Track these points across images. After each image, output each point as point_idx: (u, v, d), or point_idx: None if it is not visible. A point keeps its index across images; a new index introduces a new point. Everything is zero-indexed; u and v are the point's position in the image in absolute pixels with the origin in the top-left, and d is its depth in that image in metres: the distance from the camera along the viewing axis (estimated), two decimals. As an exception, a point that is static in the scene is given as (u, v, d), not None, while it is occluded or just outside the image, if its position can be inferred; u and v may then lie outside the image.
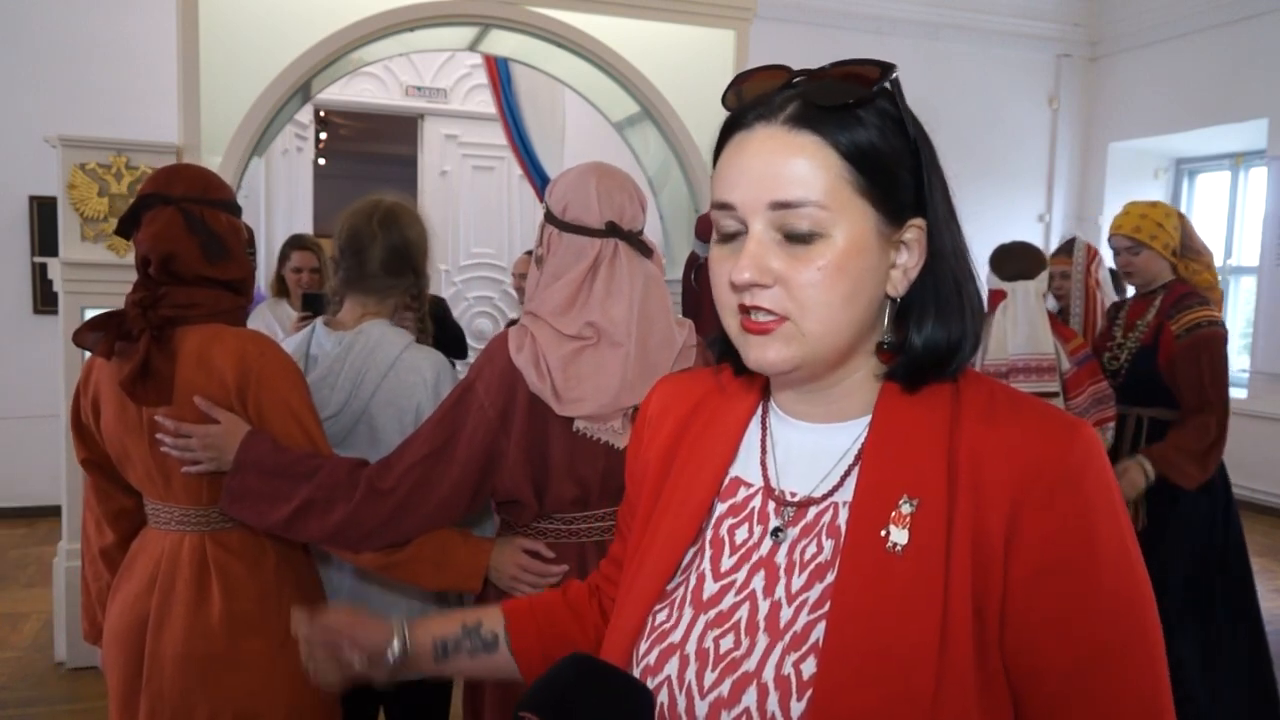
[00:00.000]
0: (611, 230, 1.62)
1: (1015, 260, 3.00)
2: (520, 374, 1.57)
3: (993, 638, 0.75)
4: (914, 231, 0.80)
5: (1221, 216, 7.33)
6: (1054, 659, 0.75)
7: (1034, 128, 7.65)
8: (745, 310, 0.79)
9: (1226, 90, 6.66)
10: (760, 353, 0.79)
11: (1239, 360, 7.12)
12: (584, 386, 1.57)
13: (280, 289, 4.05)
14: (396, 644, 1.02)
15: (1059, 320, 3.10)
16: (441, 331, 4.01)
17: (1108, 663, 0.75)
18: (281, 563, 1.71)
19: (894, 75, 0.78)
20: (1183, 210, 7.61)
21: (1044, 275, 3.01)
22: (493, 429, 1.58)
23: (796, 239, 0.76)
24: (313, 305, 2.31)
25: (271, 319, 3.92)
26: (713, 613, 0.83)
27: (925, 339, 0.81)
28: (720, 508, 0.88)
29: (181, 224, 1.63)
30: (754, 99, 0.80)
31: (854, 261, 0.77)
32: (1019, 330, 2.94)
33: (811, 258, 0.76)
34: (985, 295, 2.48)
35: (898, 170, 0.79)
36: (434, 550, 1.63)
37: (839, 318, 0.78)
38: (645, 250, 1.66)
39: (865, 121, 0.77)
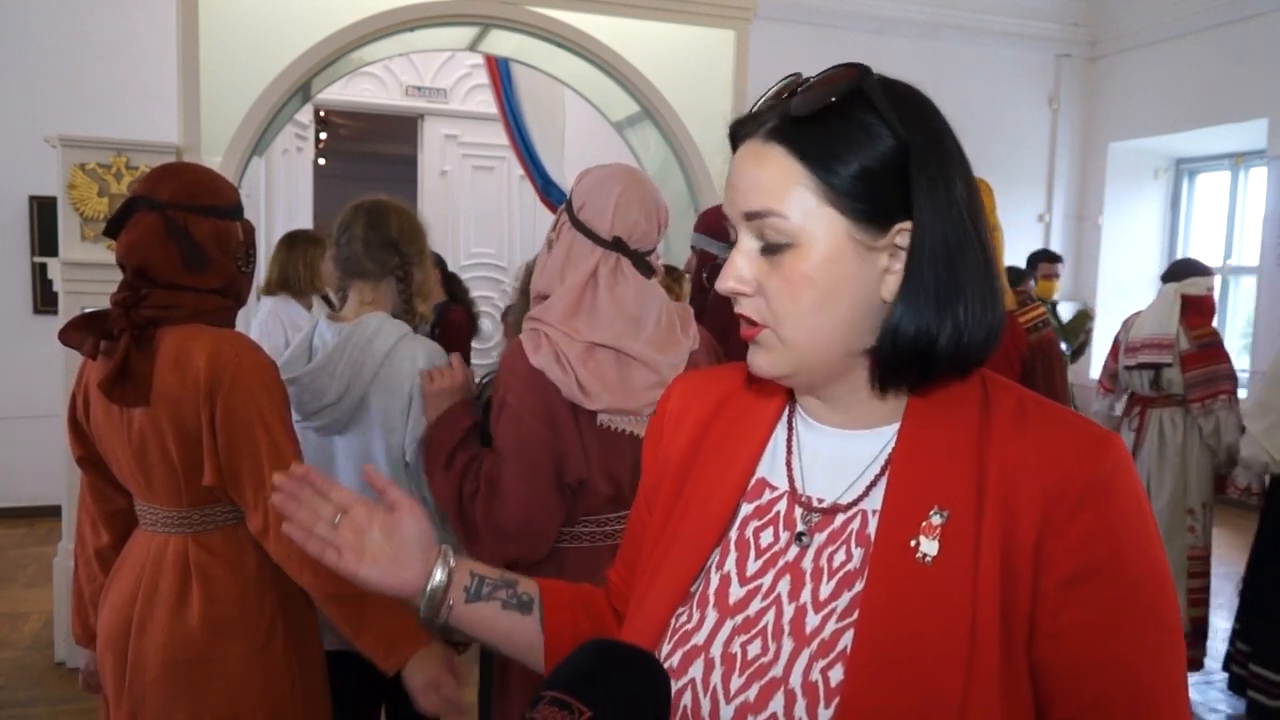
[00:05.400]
0: (616, 245, 1.63)
1: (1168, 270, 3.92)
2: (544, 375, 1.58)
3: (1019, 646, 0.75)
4: (905, 235, 0.78)
5: (1221, 216, 7.33)
6: (1084, 665, 0.76)
7: (1034, 128, 7.65)
8: (740, 316, 0.82)
9: (1226, 90, 6.66)
10: (751, 359, 0.83)
11: (1239, 360, 7.12)
12: (604, 380, 1.59)
13: (284, 285, 3.99)
14: (440, 571, 0.92)
15: (1199, 314, 3.76)
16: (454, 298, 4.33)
17: (1138, 668, 0.76)
18: (263, 564, 1.67)
19: (868, 79, 0.77)
20: (1183, 210, 7.66)
21: (1191, 280, 3.76)
22: (543, 438, 1.58)
23: (770, 249, 0.79)
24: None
25: (284, 319, 3.87)
26: (739, 618, 0.83)
27: (893, 331, 0.79)
28: (746, 509, 0.88)
29: (161, 231, 1.60)
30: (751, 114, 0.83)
31: (823, 270, 0.77)
32: (1154, 316, 3.78)
33: (780, 267, 0.78)
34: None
35: (874, 176, 0.77)
36: (378, 601, 1.54)
37: (812, 325, 0.78)
38: (648, 270, 1.68)
39: (834, 129, 0.77)
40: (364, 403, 1.96)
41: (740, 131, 0.82)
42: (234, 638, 1.62)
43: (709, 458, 0.92)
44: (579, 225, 1.64)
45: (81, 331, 1.59)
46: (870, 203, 0.77)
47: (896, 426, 0.83)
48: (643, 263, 1.66)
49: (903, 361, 0.80)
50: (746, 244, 0.80)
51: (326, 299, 4.08)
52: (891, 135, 0.77)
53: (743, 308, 0.81)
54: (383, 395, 1.95)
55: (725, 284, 0.80)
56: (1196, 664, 3.69)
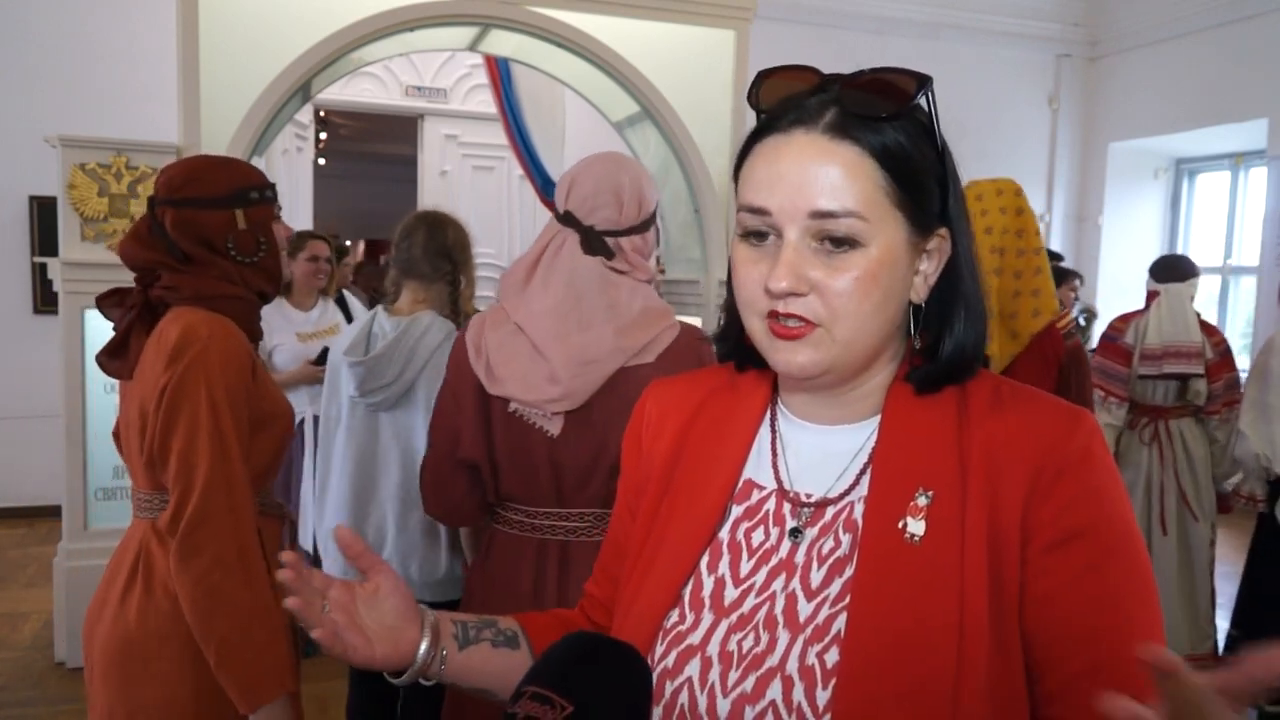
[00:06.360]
0: (566, 219, 1.64)
1: (1169, 268, 3.63)
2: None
3: (1010, 620, 0.76)
4: (937, 240, 0.82)
5: (1221, 216, 7.33)
6: (1076, 626, 0.76)
7: (1034, 128, 7.65)
8: (775, 315, 0.79)
9: (1226, 90, 6.66)
10: (790, 357, 0.79)
11: (1240, 360, 7.12)
12: (513, 367, 1.59)
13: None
14: (426, 636, 0.88)
15: (1202, 319, 3.56)
16: None
17: (1128, 626, 0.77)
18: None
19: (929, 86, 0.79)
20: (1183, 210, 7.66)
21: (1193, 280, 3.54)
22: (447, 409, 1.67)
23: (833, 248, 0.77)
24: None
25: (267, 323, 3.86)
26: (734, 616, 0.83)
27: (957, 342, 0.83)
28: (736, 511, 0.88)
29: (146, 229, 1.62)
30: (788, 103, 0.80)
31: (886, 271, 0.78)
32: (1172, 322, 3.48)
33: (847, 267, 0.77)
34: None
35: (928, 181, 0.80)
36: (247, 643, 1.48)
37: (868, 325, 0.79)
38: (599, 248, 1.61)
39: (901, 132, 0.78)
40: (413, 387, 2.29)
41: (783, 121, 0.79)
42: (167, 637, 1.51)
43: (693, 461, 0.92)
44: (552, 205, 1.69)
45: (117, 309, 1.64)
46: (924, 207, 0.80)
47: (878, 419, 0.85)
48: (599, 242, 1.61)
49: (956, 367, 0.83)
50: (801, 242, 0.77)
51: (340, 301, 4.09)
52: (935, 143, 0.81)
53: (791, 307, 0.78)
54: (430, 382, 2.23)
55: (780, 284, 0.76)
56: None
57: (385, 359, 2.26)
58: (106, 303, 1.67)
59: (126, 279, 1.70)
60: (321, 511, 2.50)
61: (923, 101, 0.80)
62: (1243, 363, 6.93)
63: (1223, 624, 4.22)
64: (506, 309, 1.64)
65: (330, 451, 2.43)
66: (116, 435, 1.74)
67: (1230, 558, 5.36)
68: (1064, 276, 4.83)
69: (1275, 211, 6.35)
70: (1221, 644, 3.67)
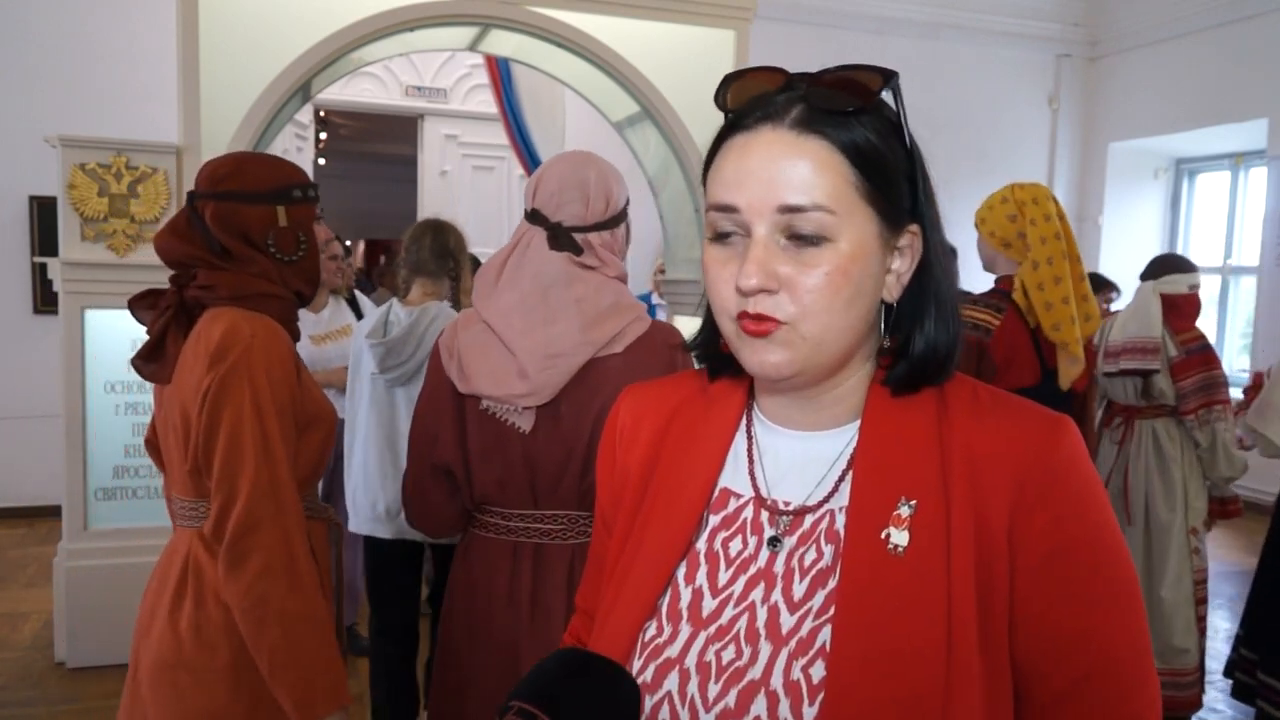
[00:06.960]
0: (532, 217, 1.64)
1: (1147, 268, 3.58)
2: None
3: (999, 633, 0.76)
4: (909, 237, 0.81)
5: (1221, 216, 7.34)
6: (1068, 639, 0.77)
7: (1034, 128, 7.65)
8: (746, 314, 0.78)
9: (1226, 90, 6.66)
10: (761, 356, 0.78)
11: (1239, 360, 7.13)
12: (483, 364, 1.59)
13: None
14: None
15: (1181, 317, 3.45)
16: None
17: (1117, 637, 0.78)
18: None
19: (895, 82, 0.78)
20: (1183, 210, 7.65)
21: (1169, 278, 3.46)
22: (425, 413, 1.66)
23: (802, 243, 0.76)
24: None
25: None
26: (713, 628, 0.82)
27: (928, 342, 0.82)
28: (713, 520, 0.86)
29: (184, 223, 1.58)
30: (754, 101, 0.80)
31: (857, 266, 0.77)
32: (1135, 319, 3.43)
33: (817, 262, 0.76)
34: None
35: (897, 176, 0.79)
36: (305, 656, 1.46)
37: (839, 322, 0.78)
38: (566, 244, 1.61)
39: (868, 127, 0.77)
40: (423, 365, 2.59)
41: (749, 118, 0.79)
42: (218, 647, 1.49)
43: (668, 469, 0.90)
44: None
45: (149, 311, 1.60)
46: (895, 203, 0.79)
47: (857, 424, 0.83)
48: (566, 238, 1.61)
49: (931, 366, 0.82)
50: (770, 238, 0.76)
51: (351, 301, 4.11)
52: (903, 138, 0.80)
53: (761, 305, 0.76)
54: None
55: (749, 281, 0.75)
56: (1197, 702, 3.39)
57: (402, 341, 2.70)
58: (139, 305, 1.61)
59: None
60: (349, 472, 2.90)
61: (889, 99, 0.79)
62: (1242, 363, 6.95)
63: (1226, 625, 4.22)
64: (478, 308, 1.64)
65: (355, 421, 2.89)
66: (149, 443, 1.70)
67: (1229, 558, 5.36)
68: (1100, 286, 4.75)
69: (1275, 211, 6.35)
70: (1226, 648, 3.63)
